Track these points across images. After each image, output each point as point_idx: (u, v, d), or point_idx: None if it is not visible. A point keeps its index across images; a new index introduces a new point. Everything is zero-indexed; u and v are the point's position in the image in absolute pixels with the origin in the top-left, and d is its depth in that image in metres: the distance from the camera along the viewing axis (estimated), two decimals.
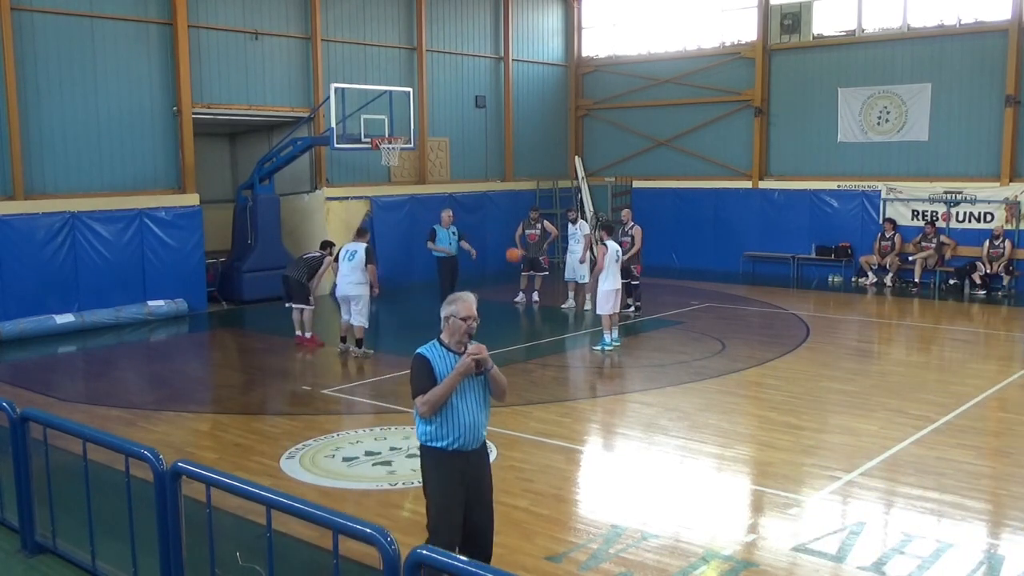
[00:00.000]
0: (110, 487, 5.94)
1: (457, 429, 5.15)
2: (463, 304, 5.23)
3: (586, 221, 18.05)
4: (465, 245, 15.92)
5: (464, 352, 5.16)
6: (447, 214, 15.90)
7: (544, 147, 23.67)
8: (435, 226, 15.80)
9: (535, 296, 17.04)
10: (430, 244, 15.68)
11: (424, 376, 5.12)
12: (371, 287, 12.51)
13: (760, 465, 8.17)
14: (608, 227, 13.72)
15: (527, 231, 17.00)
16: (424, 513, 5.37)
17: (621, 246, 14.95)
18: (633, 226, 15.40)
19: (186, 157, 16.44)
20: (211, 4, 16.80)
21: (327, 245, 13.94)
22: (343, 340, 12.82)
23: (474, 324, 5.25)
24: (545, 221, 17.35)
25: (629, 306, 15.36)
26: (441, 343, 5.26)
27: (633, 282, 15.38)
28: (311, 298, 13.35)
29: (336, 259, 12.92)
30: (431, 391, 5.06)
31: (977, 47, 18.50)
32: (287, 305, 13.54)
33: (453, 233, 15.77)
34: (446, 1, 21.09)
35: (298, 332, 13.41)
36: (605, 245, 12.91)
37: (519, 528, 6.64)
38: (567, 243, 17.02)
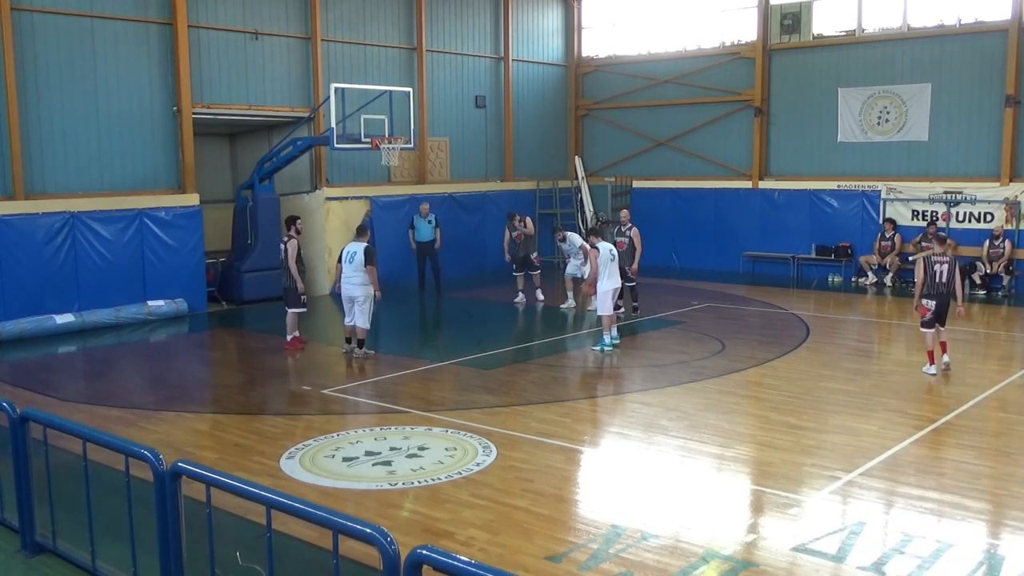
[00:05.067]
0: (110, 487, 5.94)
1: None
2: None
3: (576, 233, 17.98)
4: (437, 232, 18.39)
5: None
6: (424, 206, 18.50)
7: (544, 147, 23.67)
8: (414, 216, 18.55)
9: (539, 295, 17.08)
10: (410, 231, 18.46)
11: None
12: (373, 290, 12.45)
13: (760, 465, 8.17)
14: (596, 231, 13.78)
15: (512, 233, 17.11)
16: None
17: (617, 246, 14.97)
18: (631, 227, 15.34)
19: (186, 157, 16.44)
20: (211, 4, 16.81)
21: (291, 222, 13.38)
22: (348, 341, 12.81)
23: None
24: (527, 218, 17.45)
25: (619, 307, 15.29)
26: None
27: (627, 283, 15.32)
28: (297, 301, 13.12)
29: (339, 260, 12.86)
30: None
31: (977, 47, 18.51)
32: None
33: (430, 222, 18.35)
34: (446, 1, 21.09)
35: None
36: (596, 248, 12.94)
37: (519, 528, 6.64)
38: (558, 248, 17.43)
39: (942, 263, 11.08)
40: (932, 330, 11.21)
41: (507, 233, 17.32)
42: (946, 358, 11.36)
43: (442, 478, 7.70)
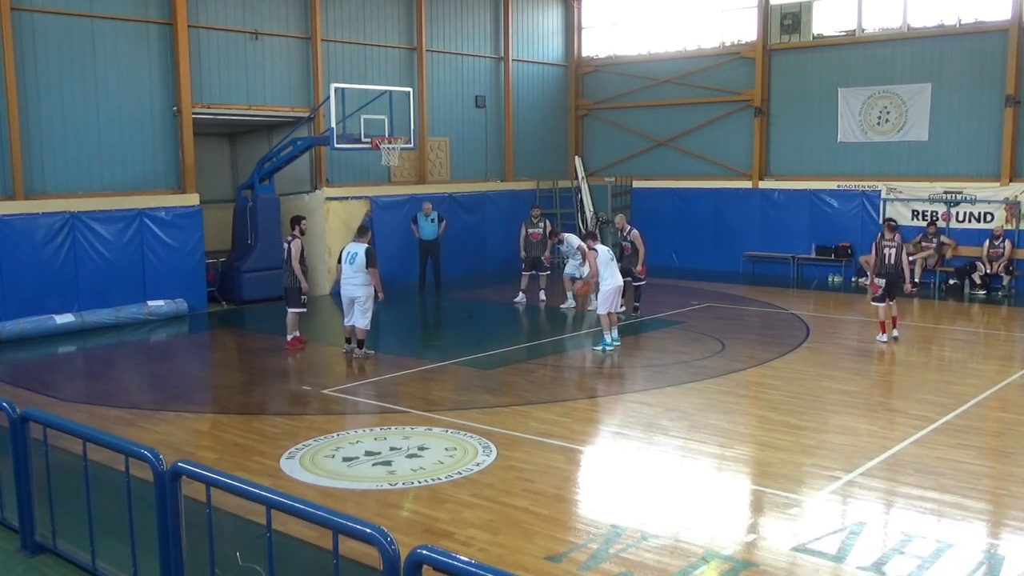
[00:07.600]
0: (110, 487, 5.95)
1: None
2: None
3: (574, 235, 17.99)
4: (442, 225, 18.66)
5: None
6: (427, 205, 18.64)
7: (544, 147, 23.68)
8: (418, 213, 18.73)
9: (542, 295, 17.10)
10: (413, 226, 18.71)
11: None
12: (375, 291, 12.43)
13: (760, 465, 8.17)
14: (592, 235, 14.06)
15: (530, 230, 17.17)
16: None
17: (623, 250, 15.04)
18: (631, 231, 15.35)
19: (186, 157, 16.44)
20: (211, 4, 16.80)
21: (296, 222, 13.37)
22: (348, 341, 12.81)
23: None
24: (547, 220, 17.55)
25: (623, 307, 15.31)
26: None
27: (635, 283, 15.35)
28: (297, 301, 13.12)
29: (339, 260, 12.86)
30: None
31: (977, 47, 18.51)
32: None
33: (432, 220, 18.49)
34: (446, 1, 21.09)
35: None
36: (595, 250, 13.02)
37: (519, 528, 6.64)
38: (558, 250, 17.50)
39: (891, 247, 13.02)
40: (883, 304, 13.10)
41: (523, 229, 17.38)
42: (895, 332, 13.26)
43: (442, 478, 7.70)
